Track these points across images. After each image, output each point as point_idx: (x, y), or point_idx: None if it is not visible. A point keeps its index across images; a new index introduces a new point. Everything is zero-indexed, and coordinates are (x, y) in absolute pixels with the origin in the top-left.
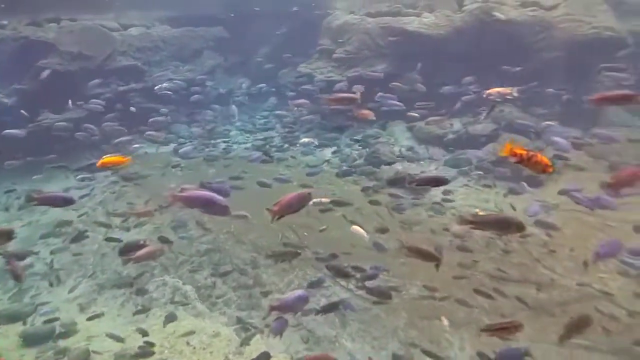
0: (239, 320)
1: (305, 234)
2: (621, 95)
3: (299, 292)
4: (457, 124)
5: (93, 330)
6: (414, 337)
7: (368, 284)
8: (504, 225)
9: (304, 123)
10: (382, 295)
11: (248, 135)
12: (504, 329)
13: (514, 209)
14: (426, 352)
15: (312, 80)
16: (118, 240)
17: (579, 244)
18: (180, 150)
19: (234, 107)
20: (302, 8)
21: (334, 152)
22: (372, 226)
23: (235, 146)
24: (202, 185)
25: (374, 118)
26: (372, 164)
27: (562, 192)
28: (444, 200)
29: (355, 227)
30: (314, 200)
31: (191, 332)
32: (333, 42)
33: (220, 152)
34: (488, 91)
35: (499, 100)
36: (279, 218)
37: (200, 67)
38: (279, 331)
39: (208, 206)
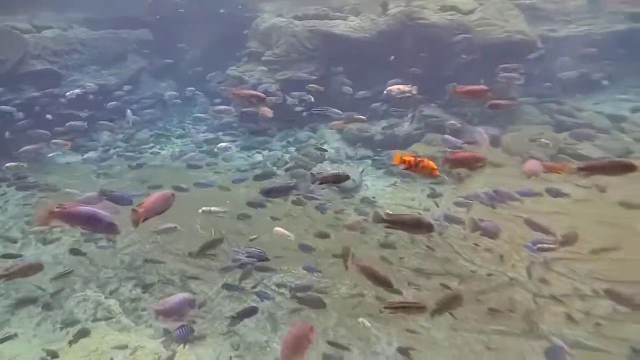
0: (166, 332)
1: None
2: (475, 90)
3: (185, 295)
4: (383, 125)
5: (5, 354)
6: (343, 335)
7: (298, 294)
8: (415, 225)
9: (226, 127)
10: (315, 304)
11: (176, 140)
12: (406, 308)
13: (437, 206)
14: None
15: (242, 83)
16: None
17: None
18: (93, 157)
19: (128, 111)
20: (230, 10)
21: (265, 156)
22: (303, 228)
23: (163, 151)
24: (103, 194)
25: (271, 116)
26: (301, 166)
27: (469, 197)
28: (370, 200)
29: (278, 229)
30: (204, 208)
31: (117, 347)
32: (261, 44)
33: (146, 158)
34: (389, 88)
35: (399, 96)
36: (143, 220)
37: (123, 71)
38: (182, 339)
39: (90, 224)
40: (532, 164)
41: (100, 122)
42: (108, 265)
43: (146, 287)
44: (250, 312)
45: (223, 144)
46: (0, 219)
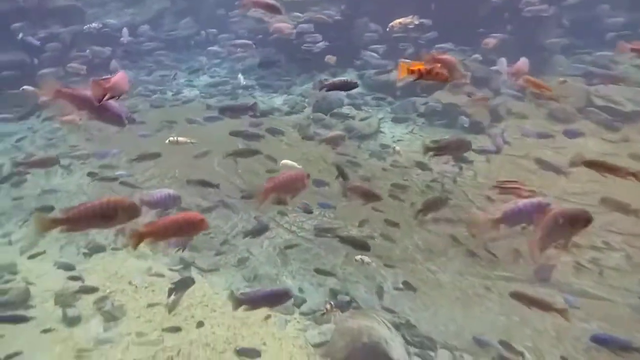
0: (182, 261)
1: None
2: None
3: (170, 191)
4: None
5: (34, 271)
6: (351, 273)
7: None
8: (460, 145)
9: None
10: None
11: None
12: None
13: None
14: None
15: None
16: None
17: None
18: None
19: (240, 75)
20: None
21: (284, 100)
22: (317, 169)
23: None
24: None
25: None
26: (321, 110)
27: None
28: (387, 146)
29: (285, 161)
30: (170, 138)
31: (135, 272)
32: None
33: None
34: (391, 24)
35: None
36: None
37: (145, 11)
38: (181, 244)
39: (98, 110)
40: (521, 63)
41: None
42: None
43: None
44: (263, 229)
45: (240, 76)
46: (29, 150)
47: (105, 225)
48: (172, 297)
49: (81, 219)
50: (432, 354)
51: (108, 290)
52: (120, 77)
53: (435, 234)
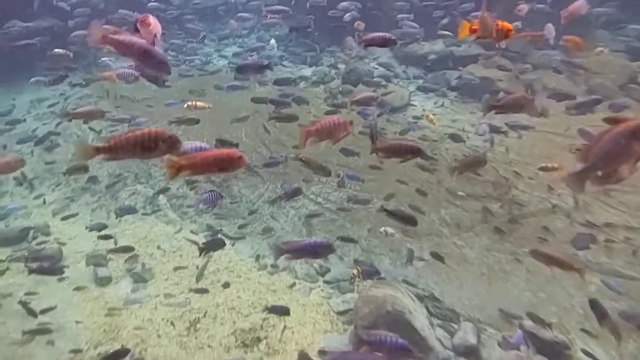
0: (209, 228)
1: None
2: None
3: (203, 144)
4: (439, 45)
5: (66, 232)
6: (375, 245)
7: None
8: (521, 103)
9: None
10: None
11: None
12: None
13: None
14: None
15: None
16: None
17: (544, 162)
18: None
19: (273, 41)
20: None
21: (313, 71)
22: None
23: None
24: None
25: None
26: (350, 82)
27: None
28: (418, 118)
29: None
30: (188, 102)
31: (163, 237)
32: None
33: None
34: None
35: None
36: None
37: None
38: (210, 203)
39: (144, 58)
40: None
41: None
42: (157, 164)
43: (193, 187)
44: (295, 192)
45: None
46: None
47: (145, 156)
48: (202, 256)
49: (122, 148)
50: (455, 325)
51: (137, 254)
52: (154, 19)
53: (463, 209)
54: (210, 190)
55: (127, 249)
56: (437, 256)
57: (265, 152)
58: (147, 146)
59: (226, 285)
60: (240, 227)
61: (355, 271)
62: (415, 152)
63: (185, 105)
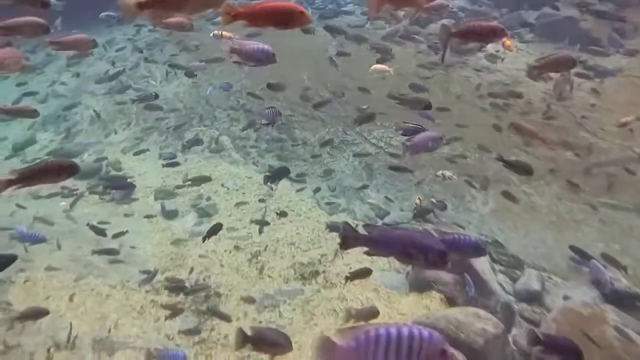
0: (271, 168)
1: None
2: None
3: (266, 46)
4: None
5: (136, 169)
6: (438, 191)
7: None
8: (565, 62)
9: None
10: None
11: None
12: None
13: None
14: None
15: None
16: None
17: (629, 109)
18: None
19: None
20: None
21: None
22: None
23: None
24: None
25: None
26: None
27: None
28: (491, 61)
29: (376, 66)
30: (215, 31)
31: (227, 176)
32: None
33: None
34: None
35: None
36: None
37: None
38: (270, 119)
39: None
40: None
41: None
42: (222, 106)
43: (257, 129)
44: (371, 116)
45: None
46: (131, 59)
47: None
48: (269, 184)
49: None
50: (518, 272)
51: (202, 191)
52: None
53: (534, 156)
54: (270, 107)
55: (193, 185)
56: (508, 196)
57: (327, 95)
58: None
59: (286, 221)
60: (300, 170)
61: (417, 201)
62: (498, 33)
63: (212, 34)
